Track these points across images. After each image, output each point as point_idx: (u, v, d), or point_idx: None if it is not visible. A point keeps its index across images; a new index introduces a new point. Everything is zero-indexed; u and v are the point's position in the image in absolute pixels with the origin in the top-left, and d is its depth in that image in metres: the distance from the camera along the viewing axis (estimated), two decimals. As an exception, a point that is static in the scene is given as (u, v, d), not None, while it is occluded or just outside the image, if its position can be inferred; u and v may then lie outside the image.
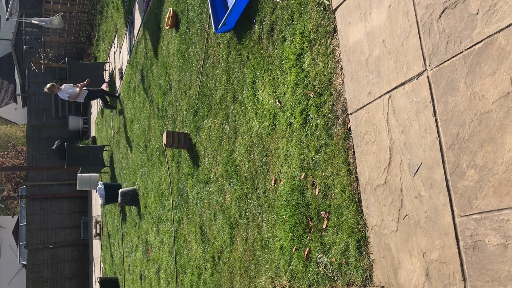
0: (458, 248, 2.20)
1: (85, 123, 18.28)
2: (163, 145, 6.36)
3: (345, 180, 3.05)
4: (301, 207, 3.53)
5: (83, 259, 18.04)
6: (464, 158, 2.17)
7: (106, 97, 11.53)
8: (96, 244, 15.39)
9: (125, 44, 10.82)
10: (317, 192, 3.34)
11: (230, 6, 4.49)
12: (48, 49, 16.49)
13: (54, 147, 17.16)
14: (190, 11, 6.19)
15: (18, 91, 23.31)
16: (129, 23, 10.38)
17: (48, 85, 10.43)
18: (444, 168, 2.29)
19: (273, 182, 3.99)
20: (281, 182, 3.84)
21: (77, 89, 10.29)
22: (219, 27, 4.75)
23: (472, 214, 2.13)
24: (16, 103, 25.46)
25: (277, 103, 3.93)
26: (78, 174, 13.13)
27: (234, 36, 4.79)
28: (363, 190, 2.88)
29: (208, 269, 5.32)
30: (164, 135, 6.20)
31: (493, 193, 2.02)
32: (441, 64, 2.30)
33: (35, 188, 18.19)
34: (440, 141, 2.31)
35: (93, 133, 16.53)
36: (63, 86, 10.40)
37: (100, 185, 10.44)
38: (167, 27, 6.90)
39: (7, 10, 15.48)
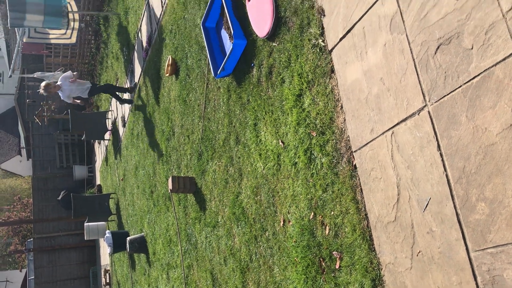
0: (476, 283, 2.16)
1: (90, 171, 18.34)
2: (169, 191, 6.35)
3: (355, 218, 3.03)
4: (312, 247, 3.48)
5: (94, 310, 17.72)
6: (473, 191, 2.16)
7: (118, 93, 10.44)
8: (106, 294, 15.13)
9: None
10: (327, 232, 3.31)
11: (228, 52, 4.58)
12: (51, 101, 16.74)
13: (60, 197, 17.17)
14: (188, 58, 6.31)
15: (22, 144, 23.54)
16: (129, 71, 10.56)
17: (43, 84, 9.11)
18: (454, 202, 2.27)
19: (281, 223, 3.95)
20: (290, 223, 3.81)
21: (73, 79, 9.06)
22: (218, 72, 4.83)
23: (487, 248, 2.10)
24: (21, 155, 25.66)
25: (280, 143, 3.95)
26: (85, 224, 13.07)
27: (234, 80, 4.86)
28: (373, 228, 2.85)
29: (222, 315, 5.20)
30: (170, 180, 6.20)
31: (506, 226, 2.00)
32: (440, 99, 2.32)
33: (43, 240, 18.07)
34: (447, 175, 2.31)
35: (98, 181, 16.55)
36: (60, 82, 9.14)
37: (108, 233, 10.37)
38: (167, 74, 7.02)
39: (9, 67, 15.81)
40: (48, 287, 17.78)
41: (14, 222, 22.83)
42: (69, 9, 10.04)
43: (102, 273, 15.10)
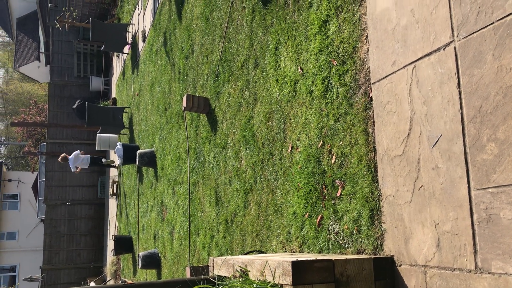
0: (472, 220, 2.21)
1: (106, 84, 18.43)
2: (183, 109, 6.40)
3: (363, 149, 3.06)
4: (317, 175, 3.55)
5: (99, 217, 18.50)
6: (485, 131, 2.16)
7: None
8: (112, 203, 15.74)
9: (149, 6, 10.77)
10: (333, 161, 3.36)
11: (257, -31, 4.42)
12: (73, 8, 16.52)
13: (75, 106, 17.39)
14: (216, -27, 6.12)
15: (42, 49, 23.51)
16: (154, -16, 10.30)
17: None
18: (464, 141, 2.27)
19: (289, 149, 4.01)
20: (298, 150, 3.86)
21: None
22: (245, -10, 4.69)
23: (488, 188, 2.12)
24: (39, 61, 25.70)
25: (299, 70, 3.91)
26: (97, 134, 13.33)
27: (260, 1, 4.74)
28: (380, 160, 2.88)
29: (221, 231, 5.42)
30: (184, 98, 6.23)
31: (512, 168, 2.01)
32: (469, 35, 2.26)
33: (55, 145, 18.55)
34: (462, 114, 2.29)
35: (113, 95, 16.67)
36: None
37: (119, 145, 10.60)
38: (193, -10, 6.84)
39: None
40: (58, 191, 18.47)
41: (29, 124, 23.34)
42: None
43: (110, 183, 15.60)
